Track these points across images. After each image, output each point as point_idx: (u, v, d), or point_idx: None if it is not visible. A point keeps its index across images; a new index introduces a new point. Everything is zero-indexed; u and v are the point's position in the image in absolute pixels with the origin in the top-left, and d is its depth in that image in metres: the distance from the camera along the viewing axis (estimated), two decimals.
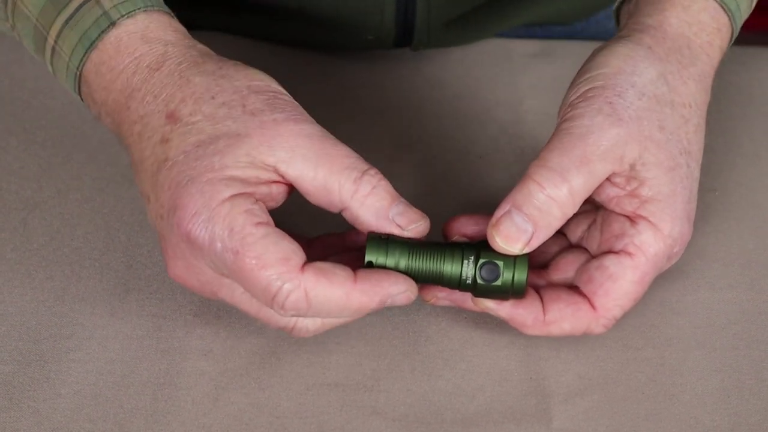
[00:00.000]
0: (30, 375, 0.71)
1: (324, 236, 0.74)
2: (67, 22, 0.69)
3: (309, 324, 0.69)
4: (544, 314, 0.70)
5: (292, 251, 0.65)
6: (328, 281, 0.65)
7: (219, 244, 0.65)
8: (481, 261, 0.68)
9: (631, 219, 0.69)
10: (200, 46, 0.71)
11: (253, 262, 0.64)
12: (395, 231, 0.67)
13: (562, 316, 0.70)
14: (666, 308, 0.75)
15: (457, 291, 0.70)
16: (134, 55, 0.69)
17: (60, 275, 0.76)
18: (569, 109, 0.70)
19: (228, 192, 0.65)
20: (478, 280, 0.68)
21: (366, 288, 0.66)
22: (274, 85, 0.69)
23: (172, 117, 0.67)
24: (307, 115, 0.68)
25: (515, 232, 0.67)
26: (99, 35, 0.69)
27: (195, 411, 0.70)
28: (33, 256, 0.77)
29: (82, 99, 0.72)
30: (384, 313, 0.74)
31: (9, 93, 0.87)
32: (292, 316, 0.67)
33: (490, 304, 0.70)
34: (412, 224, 0.68)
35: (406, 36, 0.90)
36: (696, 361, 0.73)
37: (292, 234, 0.72)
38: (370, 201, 0.67)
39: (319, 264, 0.65)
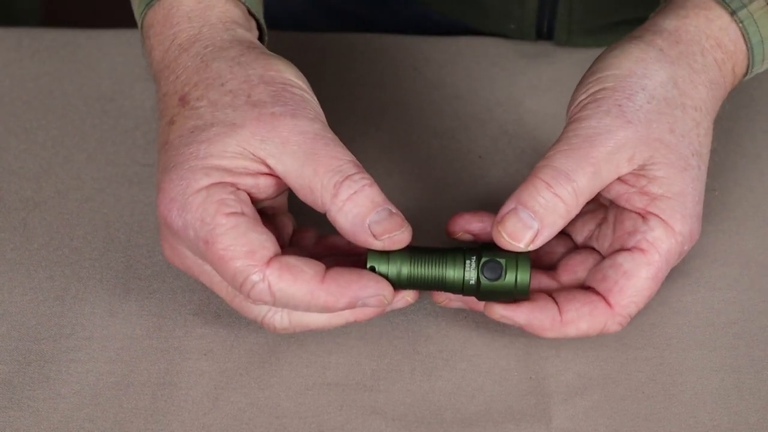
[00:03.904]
0: (30, 375, 0.71)
1: (334, 236, 0.73)
2: None
3: (276, 322, 0.69)
4: (560, 315, 0.70)
5: (260, 243, 0.65)
6: (292, 277, 0.65)
7: (192, 233, 0.66)
8: (483, 260, 0.68)
9: (643, 216, 0.69)
10: (239, 32, 0.71)
11: (221, 252, 0.65)
12: (369, 240, 0.67)
13: (580, 316, 0.69)
14: (666, 308, 0.75)
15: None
16: (174, 29, 0.70)
17: (60, 275, 0.76)
18: (577, 110, 0.70)
19: (206, 181, 0.66)
20: (482, 280, 0.68)
21: (332, 289, 0.66)
22: (289, 76, 0.69)
23: (182, 100, 0.68)
24: (313, 110, 0.68)
25: (521, 228, 0.67)
26: None
27: (195, 411, 0.70)
28: (33, 256, 0.77)
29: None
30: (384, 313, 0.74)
31: (9, 93, 0.87)
32: (262, 304, 0.68)
33: (504, 312, 0.69)
34: (386, 234, 0.67)
35: (549, 32, 0.91)
36: (695, 361, 0.73)
37: (301, 229, 0.73)
38: (347, 207, 0.66)
39: (287, 259, 0.66)
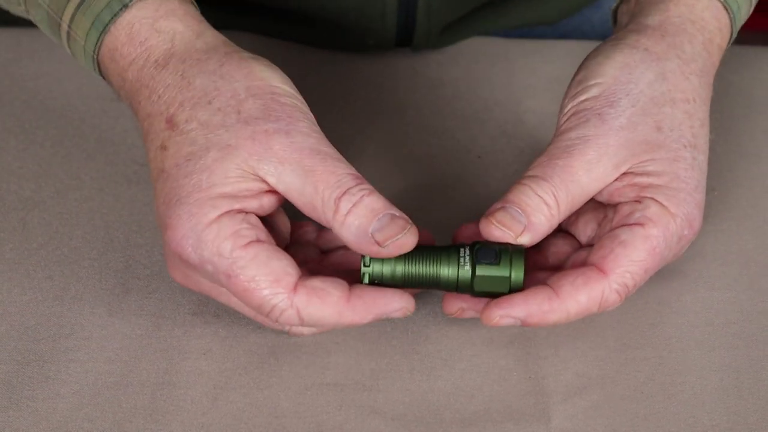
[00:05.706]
0: (29, 375, 0.71)
1: (342, 248, 0.73)
2: (78, 6, 0.70)
3: (305, 330, 0.70)
4: (557, 294, 0.68)
5: (283, 270, 0.66)
6: (320, 301, 0.66)
7: (210, 267, 0.66)
8: (477, 247, 0.68)
9: (638, 201, 0.69)
10: (208, 35, 0.70)
11: (246, 284, 0.65)
12: (374, 249, 0.66)
13: (575, 287, 0.68)
14: (665, 308, 0.75)
15: (479, 301, 0.70)
16: (144, 45, 0.69)
17: (59, 275, 0.76)
18: (561, 123, 0.71)
19: (214, 213, 0.65)
20: (477, 268, 0.68)
21: (358, 307, 0.67)
22: (276, 83, 0.68)
23: (170, 122, 0.68)
24: (306, 121, 0.68)
25: (510, 219, 0.68)
26: (111, 18, 0.69)
27: (194, 410, 0.70)
28: (32, 255, 0.77)
29: (103, 78, 0.73)
30: None
31: (9, 93, 0.87)
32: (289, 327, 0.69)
33: (501, 310, 0.68)
34: (389, 239, 0.66)
35: (405, 39, 0.90)
36: (695, 361, 0.73)
37: (299, 224, 0.73)
38: (349, 220, 0.66)
39: (312, 282, 0.66)
